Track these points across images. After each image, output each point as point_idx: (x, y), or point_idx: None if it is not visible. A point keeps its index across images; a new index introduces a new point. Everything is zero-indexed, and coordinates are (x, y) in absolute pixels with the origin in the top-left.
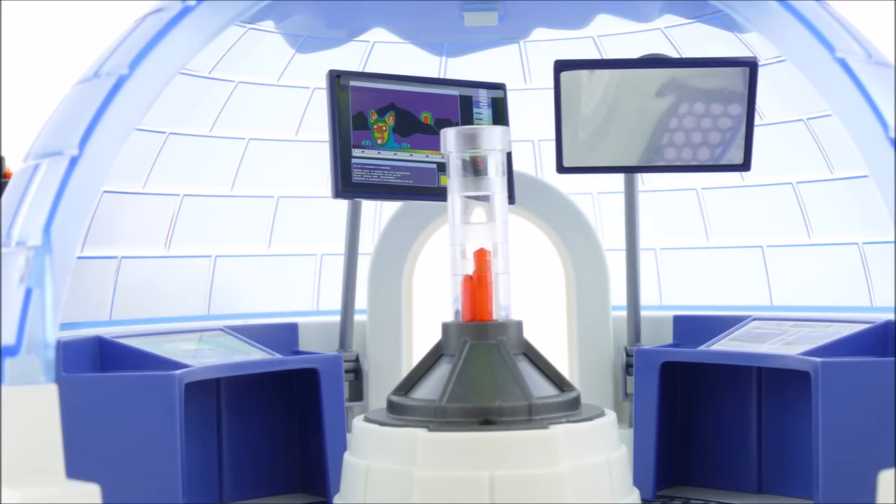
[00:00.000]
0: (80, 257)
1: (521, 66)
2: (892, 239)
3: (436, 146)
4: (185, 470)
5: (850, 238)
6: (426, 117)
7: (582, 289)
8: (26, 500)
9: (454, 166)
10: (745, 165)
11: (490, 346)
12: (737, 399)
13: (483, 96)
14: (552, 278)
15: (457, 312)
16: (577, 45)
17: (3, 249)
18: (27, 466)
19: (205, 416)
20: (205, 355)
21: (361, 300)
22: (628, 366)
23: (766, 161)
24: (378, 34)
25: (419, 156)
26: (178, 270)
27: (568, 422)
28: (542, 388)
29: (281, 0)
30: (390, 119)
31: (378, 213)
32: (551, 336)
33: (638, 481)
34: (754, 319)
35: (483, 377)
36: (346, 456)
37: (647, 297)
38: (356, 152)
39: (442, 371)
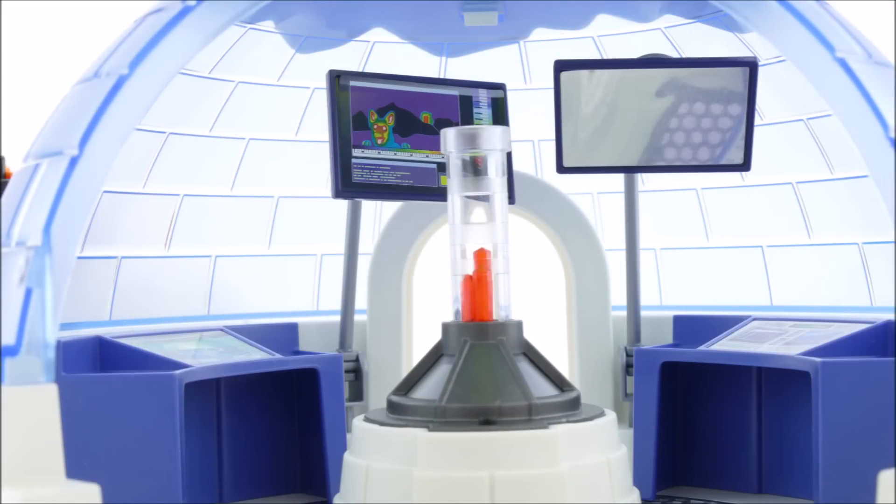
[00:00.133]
0: (80, 257)
1: (521, 66)
2: (892, 239)
3: (436, 146)
4: (185, 470)
5: (850, 238)
6: (426, 117)
7: (582, 289)
8: (26, 500)
9: (454, 166)
10: (745, 165)
11: (490, 346)
12: (737, 399)
13: (483, 96)
14: (552, 278)
15: (457, 312)
16: (577, 45)
17: (3, 249)
18: (27, 466)
19: (205, 416)
20: (205, 355)
21: (361, 300)
22: (628, 366)
23: (766, 161)
24: (378, 34)
25: (419, 156)
26: (178, 270)
27: (568, 422)
28: (542, 388)
29: (281, 0)
30: (390, 119)
31: (378, 213)
32: (551, 336)
33: (638, 481)
34: (754, 319)
35: (483, 377)
36: (346, 456)
37: (647, 297)
38: (356, 152)
39: (442, 371)
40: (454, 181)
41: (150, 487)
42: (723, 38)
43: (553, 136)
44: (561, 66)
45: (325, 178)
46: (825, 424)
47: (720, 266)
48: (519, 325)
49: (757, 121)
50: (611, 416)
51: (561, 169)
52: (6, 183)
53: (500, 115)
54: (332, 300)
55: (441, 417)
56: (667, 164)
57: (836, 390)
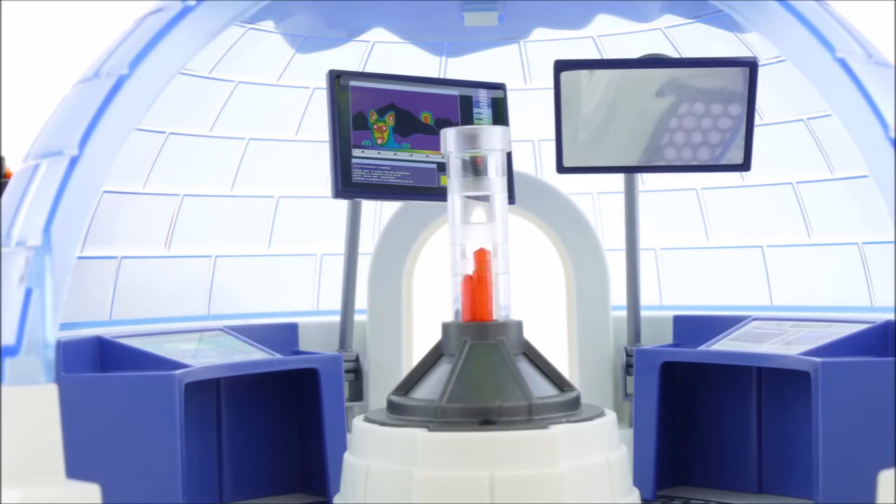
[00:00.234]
0: (80, 257)
1: (521, 66)
2: (893, 239)
3: (436, 146)
4: (185, 470)
5: (850, 238)
6: (426, 117)
7: (582, 289)
8: (26, 500)
9: (454, 166)
10: (745, 165)
11: (490, 346)
12: (737, 399)
13: (483, 96)
14: (552, 278)
15: (457, 312)
16: (577, 45)
17: (3, 249)
18: (27, 466)
19: (205, 416)
20: (205, 355)
21: (361, 300)
22: (628, 366)
23: (766, 161)
24: (378, 34)
25: (419, 156)
26: (178, 270)
27: (568, 422)
28: (542, 388)
29: (281, 0)
30: (390, 119)
31: (378, 213)
32: (551, 336)
33: (638, 481)
34: (754, 319)
35: (483, 377)
36: (346, 456)
37: (647, 297)
38: (356, 152)
39: (442, 371)
40: (454, 181)
41: (150, 487)
42: (723, 38)
43: (553, 136)
44: (561, 66)
45: (325, 178)
46: (825, 424)
47: (720, 266)
48: (519, 325)
49: (757, 121)
50: (611, 416)
51: (561, 169)
52: (6, 183)
53: (500, 115)
54: (332, 300)
55: (441, 417)
56: (667, 164)
57: (836, 390)
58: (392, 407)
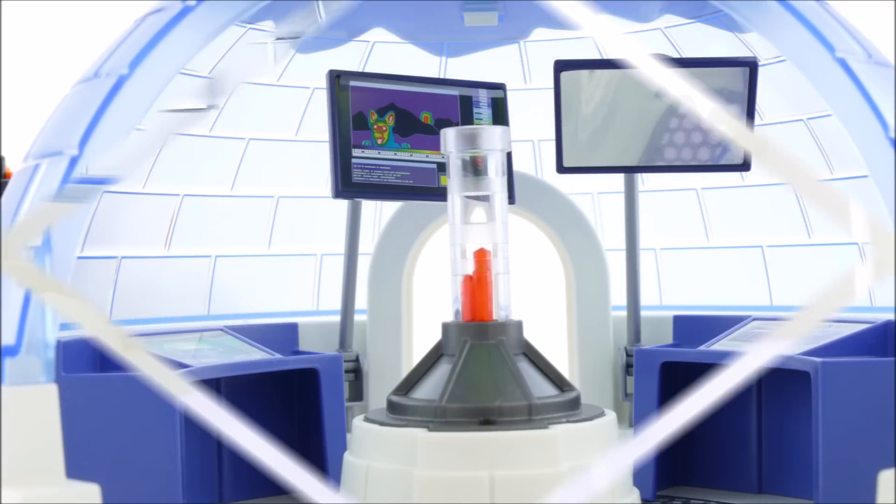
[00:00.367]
0: (80, 257)
1: (521, 66)
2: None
3: (436, 146)
4: (185, 470)
5: (851, 238)
6: (426, 117)
7: (582, 289)
8: (26, 500)
9: (454, 166)
10: (745, 165)
11: (490, 346)
12: (737, 399)
13: (483, 96)
14: (552, 278)
15: (457, 312)
16: (577, 45)
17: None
18: (27, 466)
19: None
20: (205, 355)
21: (361, 300)
22: (628, 366)
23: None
24: (378, 34)
25: (419, 156)
26: (178, 270)
27: (568, 422)
28: (542, 388)
29: (281, 0)
30: (390, 119)
31: (378, 213)
32: (551, 336)
33: (638, 481)
34: (754, 319)
35: (483, 377)
36: (346, 456)
37: (647, 297)
38: (356, 152)
39: (442, 371)
40: (454, 181)
41: (150, 487)
42: (723, 38)
43: (553, 136)
44: (561, 66)
45: (325, 178)
46: (825, 424)
47: (720, 266)
48: (519, 325)
49: (757, 121)
50: (611, 416)
51: (561, 169)
52: (6, 183)
53: (500, 115)
54: (332, 300)
55: (441, 417)
56: (667, 164)
57: (836, 390)
58: (392, 407)
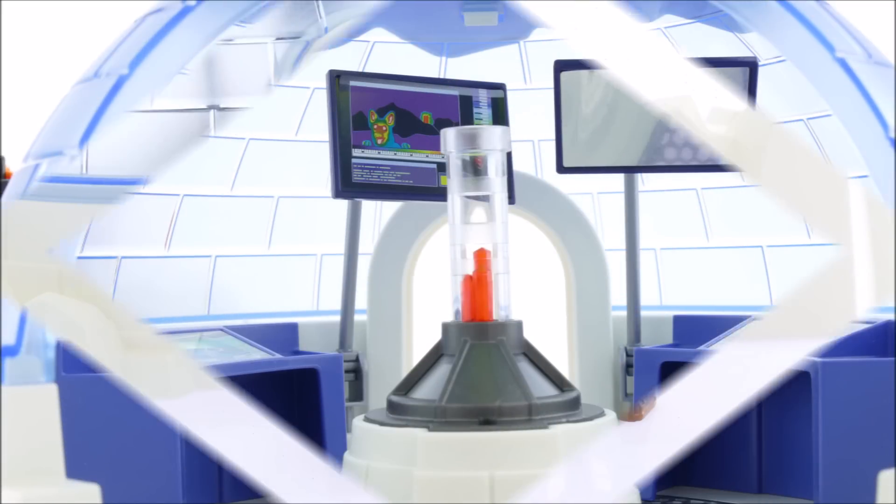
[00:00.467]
0: (80, 257)
1: (521, 66)
2: (892, 239)
3: (436, 146)
4: (185, 470)
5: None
6: (426, 117)
7: (582, 289)
8: (26, 500)
9: (454, 166)
10: None
11: (490, 346)
12: None
13: (483, 96)
14: (552, 278)
15: (457, 312)
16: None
17: None
18: (27, 466)
19: None
20: (205, 355)
21: (361, 300)
22: (628, 366)
23: None
24: (378, 34)
25: (419, 156)
26: (178, 270)
27: (568, 422)
28: (542, 388)
29: (281, 0)
30: (390, 119)
31: (378, 213)
32: (551, 336)
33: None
34: (754, 319)
35: (483, 377)
36: (346, 456)
37: (647, 297)
38: (356, 152)
39: (442, 371)
40: (454, 181)
41: (150, 487)
42: (723, 38)
43: (553, 136)
44: (561, 66)
45: (325, 178)
46: (825, 424)
47: (720, 266)
48: (519, 325)
49: None
50: (611, 416)
51: (561, 169)
52: (6, 183)
53: (500, 115)
54: (332, 300)
55: (441, 417)
56: (667, 164)
57: (836, 390)
58: (392, 407)
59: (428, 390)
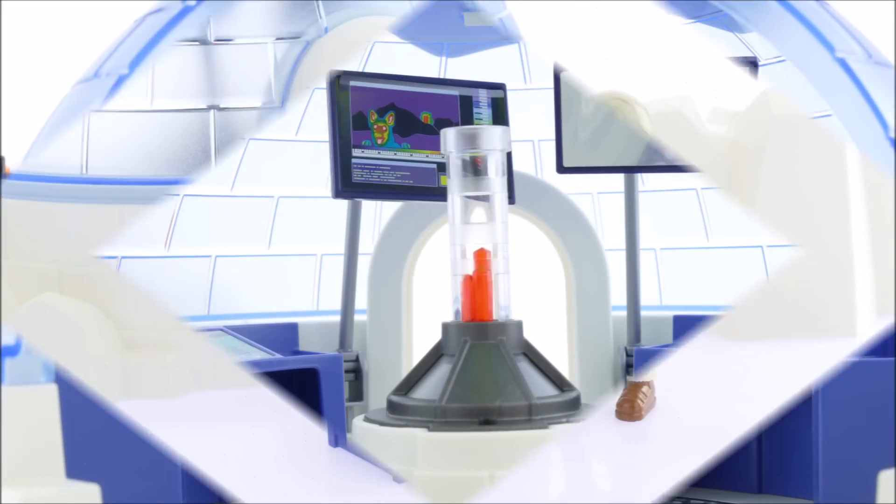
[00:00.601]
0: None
1: (521, 66)
2: (892, 238)
3: (436, 146)
4: (185, 470)
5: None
6: (426, 117)
7: (582, 289)
8: (26, 500)
9: (454, 166)
10: None
11: (490, 346)
12: None
13: (483, 96)
14: (552, 278)
15: (457, 312)
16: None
17: None
18: (27, 466)
19: None
20: None
21: (361, 300)
22: (628, 366)
23: None
24: (378, 34)
25: (419, 156)
26: (178, 270)
27: (568, 422)
28: (542, 388)
29: (283, 0)
30: (390, 119)
31: (378, 213)
32: (551, 336)
33: None
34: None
35: (483, 377)
36: None
37: (647, 297)
38: (356, 152)
39: (442, 371)
40: (454, 181)
41: (150, 487)
42: (723, 38)
43: (553, 136)
44: (561, 67)
45: (325, 178)
46: (825, 424)
47: (720, 266)
48: (519, 325)
49: None
50: (610, 415)
51: (561, 169)
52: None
53: (500, 115)
54: (332, 300)
55: (441, 417)
56: (667, 164)
57: (836, 390)
58: (392, 407)
59: (428, 390)
